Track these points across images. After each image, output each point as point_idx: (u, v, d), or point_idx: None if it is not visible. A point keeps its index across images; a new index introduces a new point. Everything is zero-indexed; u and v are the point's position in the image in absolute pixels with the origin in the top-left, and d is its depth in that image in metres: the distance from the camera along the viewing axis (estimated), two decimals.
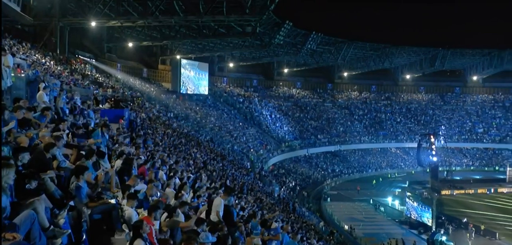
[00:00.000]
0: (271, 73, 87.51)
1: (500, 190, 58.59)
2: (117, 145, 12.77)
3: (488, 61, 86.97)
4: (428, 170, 62.04)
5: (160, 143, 23.01)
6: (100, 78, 38.88)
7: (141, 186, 8.98)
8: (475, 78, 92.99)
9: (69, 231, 5.76)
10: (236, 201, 17.27)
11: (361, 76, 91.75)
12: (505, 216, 45.41)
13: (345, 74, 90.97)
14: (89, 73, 38.27)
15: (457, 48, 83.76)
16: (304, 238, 21.42)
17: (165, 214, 7.97)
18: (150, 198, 8.68)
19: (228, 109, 69.74)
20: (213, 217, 9.46)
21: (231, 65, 77.96)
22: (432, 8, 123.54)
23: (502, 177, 64.29)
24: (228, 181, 26.08)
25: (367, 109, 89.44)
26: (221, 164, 34.48)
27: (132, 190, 7.99)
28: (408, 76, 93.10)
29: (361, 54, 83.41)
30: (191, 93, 65.01)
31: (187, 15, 45.90)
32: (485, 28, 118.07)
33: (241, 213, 14.85)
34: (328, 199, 54.76)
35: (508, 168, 63.53)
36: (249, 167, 46.86)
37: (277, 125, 75.22)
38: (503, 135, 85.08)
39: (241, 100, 76.59)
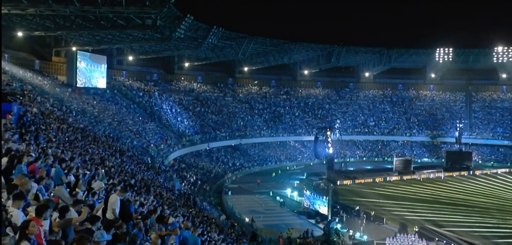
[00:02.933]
0: (172, 67, 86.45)
1: (388, 178, 62.67)
2: (3, 142, 11.91)
3: (378, 59, 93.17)
4: (324, 162, 64.81)
5: (54, 139, 21.80)
6: None
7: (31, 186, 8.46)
8: (367, 74, 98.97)
9: None
10: (135, 197, 16.89)
11: (261, 71, 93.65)
12: (392, 202, 48.96)
13: (246, 69, 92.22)
14: None
15: (351, 46, 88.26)
16: (205, 232, 21.43)
17: (57, 214, 7.59)
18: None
19: (127, 103, 67.79)
20: (109, 214, 9.19)
21: (130, 58, 75.67)
22: (329, 6, 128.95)
23: (390, 167, 68.90)
24: (133, 180, 25.40)
25: (266, 104, 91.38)
26: (120, 160, 33.50)
27: (19, 190, 7.50)
28: (306, 72, 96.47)
29: (262, 50, 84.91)
30: (88, 86, 62.24)
31: (84, 5, 43.60)
32: (376, 27, 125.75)
33: (140, 209, 14.52)
34: (229, 192, 55.26)
35: (394, 158, 68.22)
36: (149, 162, 45.97)
37: (178, 119, 74.48)
38: (391, 128, 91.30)
39: (141, 94, 74.79)
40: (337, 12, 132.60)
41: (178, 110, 77.69)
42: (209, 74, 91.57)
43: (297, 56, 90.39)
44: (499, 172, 71.43)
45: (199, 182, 56.44)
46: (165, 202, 25.17)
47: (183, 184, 49.49)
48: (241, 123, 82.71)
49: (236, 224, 39.25)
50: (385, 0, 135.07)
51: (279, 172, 70.00)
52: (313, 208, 46.35)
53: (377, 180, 61.75)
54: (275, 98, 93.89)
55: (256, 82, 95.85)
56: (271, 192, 55.44)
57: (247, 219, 42.92)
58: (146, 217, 11.74)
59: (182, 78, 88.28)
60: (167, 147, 60.85)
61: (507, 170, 73.73)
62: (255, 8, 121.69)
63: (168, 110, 75.43)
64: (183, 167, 60.18)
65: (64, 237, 6.87)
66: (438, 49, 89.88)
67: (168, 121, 71.67)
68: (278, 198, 53.02)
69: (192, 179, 55.54)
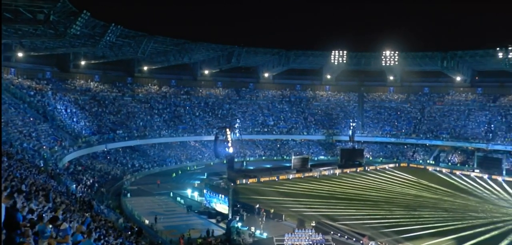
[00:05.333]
0: (67, 65, 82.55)
1: (286, 176, 64.62)
2: None
3: (277, 60, 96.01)
4: (225, 162, 65.35)
5: None
6: None
7: None
8: (266, 75, 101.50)
9: None
10: (24, 204, 15.98)
11: (161, 70, 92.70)
12: (290, 199, 50.56)
13: (146, 68, 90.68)
14: None
15: (251, 47, 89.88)
16: (102, 237, 20.76)
17: None
18: None
19: (16, 103, 63.55)
20: None
21: (20, 54, 71.01)
22: (230, 7, 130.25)
23: (288, 165, 71.11)
24: (23, 185, 23.89)
25: (167, 103, 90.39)
26: (7, 164, 31.43)
27: None
28: (206, 72, 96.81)
29: (162, 49, 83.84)
30: None
31: None
32: (275, 29, 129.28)
33: (29, 216, 13.75)
34: (128, 194, 53.93)
35: (293, 157, 70.54)
36: (41, 165, 43.57)
37: (74, 120, 71.16)
38: (289, 127, 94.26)
39: (32, 93, 70.45)
40: (238, 14, 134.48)
41: (74, 110, 74.25)
42: (107, 73, 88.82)
43: (197, 56, 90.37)
44: (387, 168, 76.94)
45: (96, 185, 54.51)
46: (59, 207, 24.06)
47: (79, 187, 47.53)
48: (141, 123, 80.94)
49: (135, 227, 38.40)
50: (283, 3, 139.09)
51: (180, 172, 69.55)
52: (211, 207, 46.75)
53: (280, 178, 63.46)
54: (175, 98, 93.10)
55: (156, 81, 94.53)
56: (171, 193, 54.88)
57: (147, 221, 42.17)
58: (36, 224, 11.18)
59: (78, 77, 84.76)
60: (62, 149, 57.96)
61: (394, 165, 79.59)
62: (155, 7, 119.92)
63: (63, 110, 71.80)
64: (79, 170, 57.80)
65: None
66: (333, 51, 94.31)
67: (63, 121, 68.16)
68: (178, 199, 52.65)
69: (88, 182, 53.47)
